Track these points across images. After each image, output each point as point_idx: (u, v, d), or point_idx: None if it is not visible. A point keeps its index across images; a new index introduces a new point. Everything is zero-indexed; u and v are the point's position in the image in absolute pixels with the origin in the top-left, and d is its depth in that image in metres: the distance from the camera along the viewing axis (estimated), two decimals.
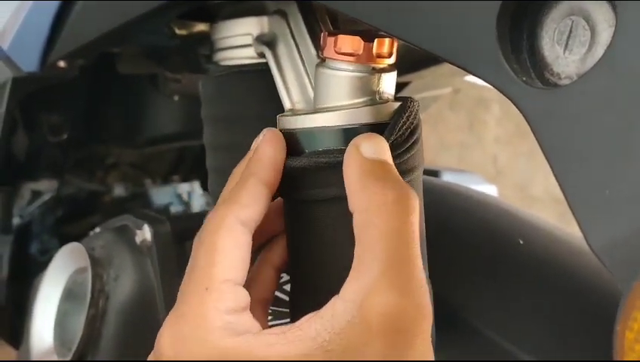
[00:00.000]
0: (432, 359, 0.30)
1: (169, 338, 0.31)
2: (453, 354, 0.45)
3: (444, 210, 0.48)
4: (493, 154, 2.44)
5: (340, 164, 0.33)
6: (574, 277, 0.41)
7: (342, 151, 0.34)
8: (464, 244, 0.45)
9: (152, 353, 0.33)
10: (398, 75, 0.38)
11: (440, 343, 0.40)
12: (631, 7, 0.24)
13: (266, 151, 0.34)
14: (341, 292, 0.30)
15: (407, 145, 0.35)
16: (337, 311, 0.29)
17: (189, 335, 0.31)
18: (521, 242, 0.44)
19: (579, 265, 0.42)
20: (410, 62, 0.63)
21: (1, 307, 0.88)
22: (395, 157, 0.34)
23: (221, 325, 0.30)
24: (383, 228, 0.30)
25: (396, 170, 0.33)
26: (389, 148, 0.33)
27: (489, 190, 0.70)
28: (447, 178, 0.67)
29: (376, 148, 0.32)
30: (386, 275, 0.29)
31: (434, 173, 0.70)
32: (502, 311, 0.43)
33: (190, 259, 0.33)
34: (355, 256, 0.30)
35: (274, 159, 0.34)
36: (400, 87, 0.76)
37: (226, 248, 0.32)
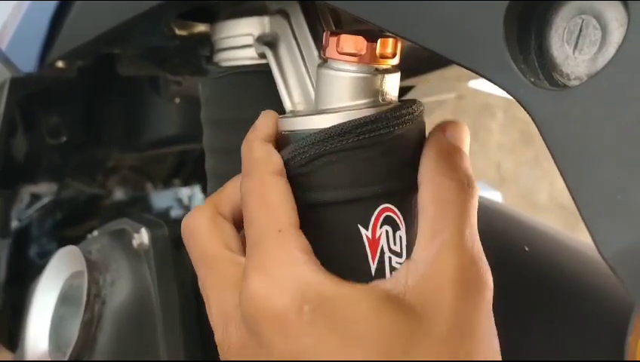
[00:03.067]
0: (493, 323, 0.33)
1: (260, 285, 0.30)
2: None
3: None
4: (497, 161, 2.44)
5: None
6: (579, 283, 0.40)
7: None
8: None
9: (236, 308, 0.32)
10: (402, 78, 0.38)
11: None
12: None
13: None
14: (412, 256, 0.33)
15: (398, 147, 0.34)
16: (411, 269, 0.32)
17: (281, 275, 0.30)
18: (527, 249, 0.43)
19: (584, 272, 0.41)
20: (413, 66, 0.62)
21: None
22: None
23: (307, 260, 0.31)
24: (455, 201, 0.33)
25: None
26: (469, 139, 0.36)
27: (494, 196, 0.69)
28: None
29: (458, 136, 0.36)
30: (456, 237, 0.32)
31: None
32: (506, 316, 0.42)
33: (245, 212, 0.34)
34: (422, 225, 0.33)
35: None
36: (404, 91, 0.75)
37: (276, 196, 0.33)
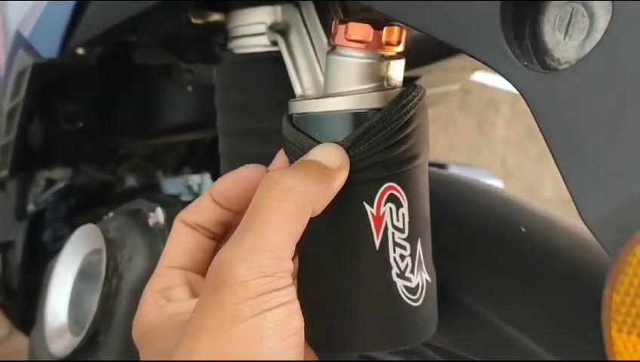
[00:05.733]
0: None
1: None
2: (454, 336, 0.46)
3: (449, 198, 0.49)
4: (502, 155, 2.45)
5: None
6: (573, 262, 0.42)
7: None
8: (468, 231, 0.47)
9: None
10: (407, 68, 0.40)
11: (443, 325, 0.42)
12: None
13: (225, 176, 0.40)
14: None
15: (402, 134, 0.36)
16: None
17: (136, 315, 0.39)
18: (523, 230, 0.45)
19: (578, 251, 0.43)
20: (418, 56, 0.64)
21: (14, 292, 0.90)
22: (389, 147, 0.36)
23: (149, 300, 0.38)
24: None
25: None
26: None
27: (495, 184, 0.71)
28: (454, 171, 0.69)
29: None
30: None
31: (441, 166, 0.71)
32: (503, 295, 0.44)
33: None
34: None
35: (228, 183, 0.39)
36: (409, 81, 0.77)
37: (170, 243, 0.40)
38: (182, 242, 0.40)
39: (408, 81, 0.39)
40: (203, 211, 0.40)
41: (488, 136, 2.49)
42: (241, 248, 0.31)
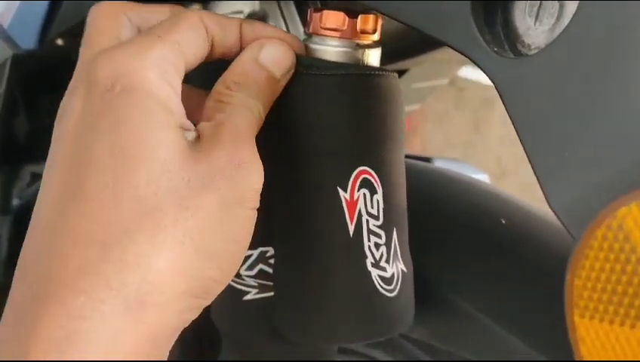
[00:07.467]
0: None
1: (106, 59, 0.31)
2: (433, 328, 0.46)
3: (430, 190, 0.49)
4: (498, 154, 2.45)
5: None
6: (553, 255, 0.42)
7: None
8: (448, 224, 0.46)
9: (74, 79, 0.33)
10: (395, 61, 0.40)
11: (422, 317, 0.41)
12: None
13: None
14: None
15: (370, 99, 0.36)
16: None
17: (129, 63, 0.30)
18: (503, 221, 0.45)
19: (559, 244, 0.43)
20: (404, 48, 0.64)
21: (1, 287, 0.90)
22: None
23: (156, 69, 0.31)
24: None
25: None
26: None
27: (481, 178, 0.71)
28: (439, 165, 0.68)
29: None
30: None
31: (426, 160, 0.71)
32: (481, 287, 0.44)
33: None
34: None
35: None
36: (399, 75, 0.77)
37: (182, 29, 0.33)
38: (202, 40, 0.34)
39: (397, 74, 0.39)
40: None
41: (484, 135, 2.49)
42: None
